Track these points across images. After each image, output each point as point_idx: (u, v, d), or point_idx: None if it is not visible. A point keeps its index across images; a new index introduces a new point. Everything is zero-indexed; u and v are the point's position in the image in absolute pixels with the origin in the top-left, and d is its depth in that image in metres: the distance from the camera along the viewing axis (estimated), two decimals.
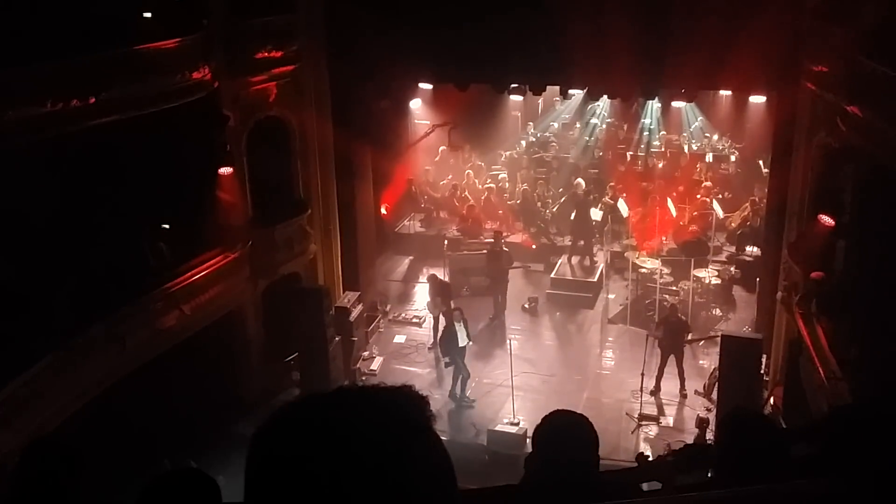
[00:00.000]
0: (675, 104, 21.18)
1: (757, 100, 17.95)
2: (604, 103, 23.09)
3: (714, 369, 15.28)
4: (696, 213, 19.58)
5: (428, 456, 1.22)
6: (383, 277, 20.04)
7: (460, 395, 15.57)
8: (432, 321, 17.50)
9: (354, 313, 16.77)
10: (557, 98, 23.39)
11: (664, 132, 23.18)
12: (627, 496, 3.42)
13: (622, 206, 19.72)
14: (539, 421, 3.23)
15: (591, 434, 3.14)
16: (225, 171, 14.29)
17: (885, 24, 10.95)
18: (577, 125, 24.48)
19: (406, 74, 17.05)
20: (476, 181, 22.32)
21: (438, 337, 16.19)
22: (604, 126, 23.88)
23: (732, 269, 18.98)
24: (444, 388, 16.40)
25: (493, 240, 19.10)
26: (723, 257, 19.57)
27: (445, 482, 1.23)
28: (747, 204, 19.75)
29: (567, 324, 18.48)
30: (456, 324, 15.46)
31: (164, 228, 14.07)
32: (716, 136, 22.88)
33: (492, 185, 21.99)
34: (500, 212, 21.30)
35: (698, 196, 20.14)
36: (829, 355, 11.52)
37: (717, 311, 18.14)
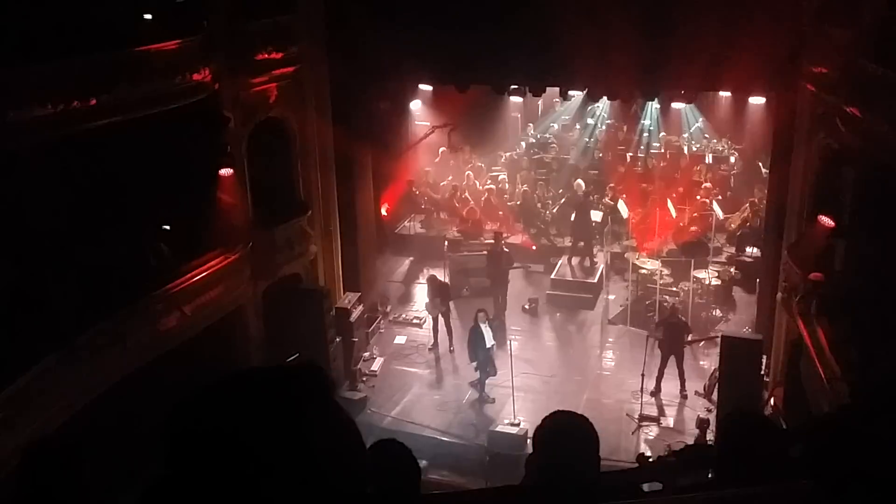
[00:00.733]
0: (675, 105, 21.21)
1: (757, 101, 17.97)
2: (603, 104, 23.10)
3: (714, 370, 15.29)
4: (695, 214, 19.59)
5: (327, 420, 1.35)
6: (384, 278, 20.05)
7: (480, 394, 15.54)
8: (432, 322, 17.51)
9: (355, 314, 16.79)
10: (557, 99, 23.39)
11: (664, 133, 23.20)
12: (628, 497, 3.43)
13: (622, 207, 19.73)
14: (539, 422, 3.24)
15: (592, 435, 3.15)
16: (225, 172, 14.30)
17: (884, 25, 10.96)
18: (577, 126, 24.48)
19: (406, 76, 17.08)
20: (476, 182, 22.33)
21: (466, 339, 16.03)
22: (603, 127, 23.89)
23: (732, 269, 18.99)
24: (444, 388, 16.43)
25: (493, 241, 19.11)
26: (723, 258, 19.57)
27: (347, 443, 1.37)
28: (747, 205, 19.76)
29: (567, 325, 18.49)
30: (482, 325, 15.34)
31: (165, 229, 14.07)
32: (714, 140, 22.91)
33: (492, 186, 21.99)
34: (501, 213, 21.30)
35: (698, 197, 20.15)
36: (830, 356, 11.53)
37: (718, 312, 18.15)
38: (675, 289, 18.04)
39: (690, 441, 13.63)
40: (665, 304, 17.06)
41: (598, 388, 15.97)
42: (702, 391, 15.62)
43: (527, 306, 18.69)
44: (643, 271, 18.61)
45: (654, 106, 22.11)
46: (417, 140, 22.06)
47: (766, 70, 14.15)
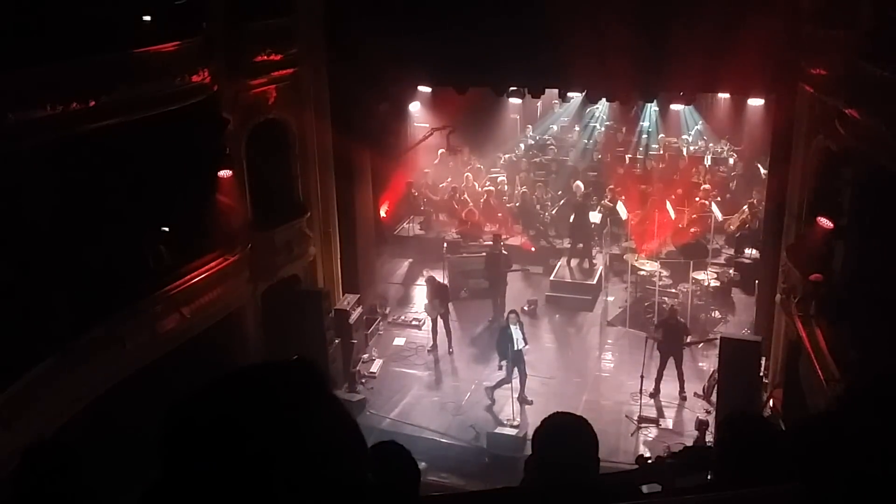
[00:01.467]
0: (674, 107, 21.24)
1: (755, 102, 17.99)
2: (602, 106, 23.13)
3: (713, 371, 15.29)
4: (694, 215, 19.59)
5: (324, 413, 1.34)
6: (383, 280, 20.05)
7: (520, 394, 15.29)
8: (431, 324, 17.51)
9: (354, 316, 16.79)
10: (556, 101, 23.43)
11: (663, 135, 23.22)
12: (627, 498, 3.43)
13: (621, 208, 19.74)
14: (539, 423, 3.24)
15: (591, 436, 3.15)
16: (224, 173, 14.29)
17: (882, 26, 10.96)
18: (576, 128, 24.52)
19: (405, 77, 17.07)
20: (475, 184, 22.35)
21: (495, 341, 15.89)
22: (602, 129, 23.91)
23: (731, 271, 19.01)
24: (444, 390, 16.43)
25: (491, 242, 19.12)
26: (722, 260, 19.59)
27: (345, 435, 1.36)
28: (746, 206, 19.77)
29: (566, 326, 18.49)
30: (512, 326, 15.16)
31: (164, 231, 14.06)
32: (712, 144, 22.93)
33: (491, 187, 22.00)
34: (499, 214, 21.31)
35: (697, 199, 20.16)
36: (829, 357, 11.53)
37: (717, 314, 18.15)
38: (674, 290, 18.05)
39: (689, 442, 13.61)
40: (664, 305, 17.07)
41: (597, 390, 15.97)
42: (701, 393, 15.62)
43: (526, 308, 18.68)
44: (642, 273, 18.62)
45: (652, 107, 22.13)
46: (416, 142, 22.06)
47: (764, 71, 14.16)
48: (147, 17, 13.06)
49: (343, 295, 17.26)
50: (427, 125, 21.99)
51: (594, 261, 19.67)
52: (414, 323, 18.49)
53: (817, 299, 12.67)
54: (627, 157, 22.84)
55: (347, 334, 16.50)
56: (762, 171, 20.11)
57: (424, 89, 19.65)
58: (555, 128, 24.67)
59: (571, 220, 19.91)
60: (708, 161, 22.32)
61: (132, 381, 12.33)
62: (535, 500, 3.23)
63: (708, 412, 14.84)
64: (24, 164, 11.20)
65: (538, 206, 21.38)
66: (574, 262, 19.74)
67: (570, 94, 20.62)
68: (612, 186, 20.74)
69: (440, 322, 17.33)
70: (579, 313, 18.68)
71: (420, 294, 19.15)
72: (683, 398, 15.59)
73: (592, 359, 17.08)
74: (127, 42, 12.19)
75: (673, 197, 20.18)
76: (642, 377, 15.00)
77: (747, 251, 19.28)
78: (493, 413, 15.34)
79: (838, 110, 11.76)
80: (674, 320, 15.64)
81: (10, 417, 10.26)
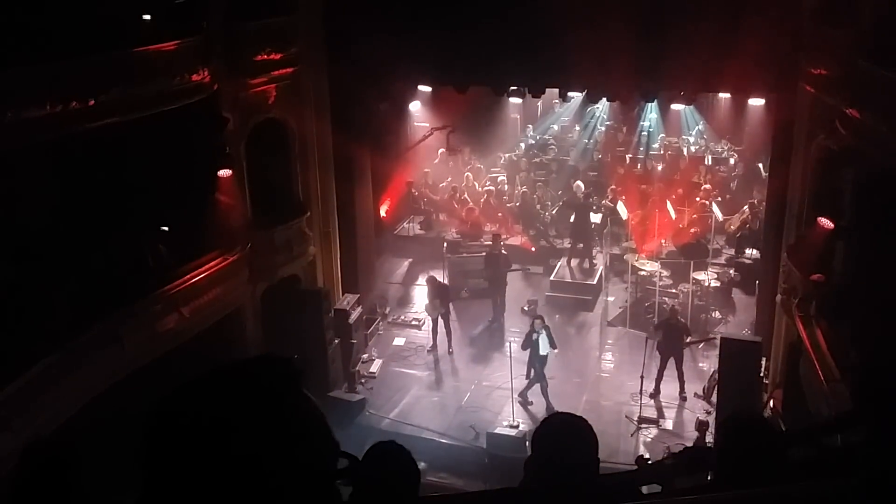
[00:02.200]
0: (675, 107, 21.23)
1: (756, 102, 17.97)
2: (603, 106, 23.12)
3: (713, 372, 15.28)
4: (695, 215, 19.59)
5: (297, 408, 1.45)
6: (382, 280, 20.04)
7: (546, 405, 15.00)
8: (431, 323, 17.50)
9: (354, 315, 16.77)
10: (557, 101, 23.42)
11: (663, 135, 23.22)
12: (627, 499, 3.42)
13: (621, 208, 19.73)
14: (538, 423, 3.23)
15: (591, 437, 3.13)
16: (224, 173, 14.28)
17: (883, 26, 10.95)
18: (577, 128, 24.51)
19: (405, 77, 17.07)
20: (475, 184, 22.34)
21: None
22: (603, 129, 23.90)
23: (732, 271, 19.00)
24: (443, 390, 16.42)
25: (491, 242, 19.10)
26: (722, 260, 19.58)
27: (313, 428, 1.46)
28: (746, 207, 19.75)
29: (566, 326, 18.46)
30: (537, 332, 15.05)
31: (164, 231, 14.06)
32: (712, 144, 22.92)
33: (491, 187, 21.99)
34: (500, 214, 21.30)
35: (697, 199, 20.16)
36: (829, 358, 11.52)
37: (717, 314, 18.14)
38: (674, 290, 18.04)
39: (689, 443, 13.60)
40: (664, 305, 17.06)
41: (598, 390, 15.96)
42: (701, 393, 15.61)
43: (526, 308, 18.67)
44: (642, 273, 18.61)
45: (653, 107, 22.12)
46: (417, 141, 22.06)
47: (765, 71, 14.15)
48: (147, 16, 13.06)
49: (343, 295, 17.25)
50: (427, 125, 21.98)
51: (594, 261, 19.65)
52: (414, 323, 18.48)
53: (818, 299, 12.66)
54: (628, 156, 22.83)
55: (347, 334, 16.49)
56: (763, 171, 20.11)
57: (425, 89, 19.63)
58: (555, 127, 24.66)
59: (572, 220, 19.90)
60: (708, 161, 22.31)
61: (131, 380, 12.32)
62: (534, 500, 3.21)
63: (708, 413, 14.83)
64: (24, 162, 11.20)
65: (538, 206, 21.37)
66: (574, 262, 19.73)
67: (570, 94, 20.59)
68: (612, 186, 20.73)
69: (440, 322, 17.32)
70: (579, 313, 18.66)
71: (420, 294, 19.14)
72: (683, 399, 15.58)
73: (592, 359, 17.07)
74: (127, 41, 12.19)
75: (673, 197, 20.17)
76: (642, 377, 14.99)
77: (748, 251, 19.27)
78: (492, 413, 15.31)
79: (839, 110, 11.75)
80: (674, 320, 15.63)
81: (10, 416, 10.25)
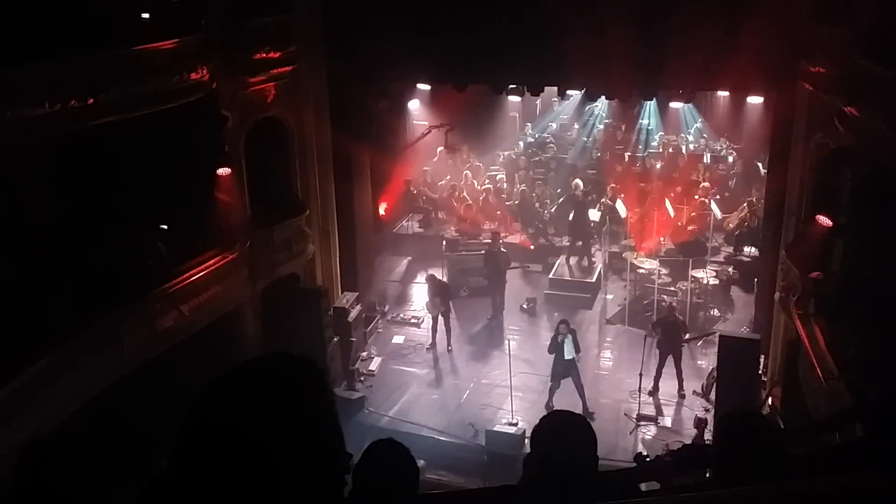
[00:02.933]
0: (674, 105, 21.23)
1: (755, 100, 17.98)
2: (602, 104, 23.12)
3: (712, 370, 15.29)
4: (693, 213, 19.61)
5: (323, 407, 1.51)
6: (382, 278, 20.05)
7: (583, 409, 14.54)
8: (431, 321, 17.51)
9: (353, 314, 16.79)
10: (555, 99, 23.45)
11: (662, 133, 23.23)
12: (626, 496, 3.43)
13: (620, 206, 19.74)
14: (537, 421, 3.24)
15: (590, 434, 3.15)
16: (223, 171, 14.28)
17: (881, 24, 10.96)
18: (576, 126, 24.51)
19: (404, 75, 17.07)
20: (474, 182, 22.35)
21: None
22: (602, 127, 23.91)
23: (730, 269, 19.01)
24: (443, 388, 16.43)
25: (490, 240, 19.12)
26: (721, 258, 19.59)
27: (335, 427, 1.52)
28: (745, 204, 19.77)
29: None
30: (561, 336, 14.87)
31: (163, 229, 14.05)
32: (711, 142, 22.92)
33: (490, 185, 22.01)
34: (499, 212, 21.31)
35: (696, 197, 20.17)
36: (828, 356, 11.53)
37: (716, 312, 18.15)
38: (673, 288, 18.05)
39: (688, 441, 13.64)
40: (663, 303, 17.07)
41: (596, 388, 15.96)
42: (699, 391, 15.63)
43: (525, 306, 18.69)
44: (641, 271, 18.62)
45: (652, 105, 22.12)
46: (415, 139, 22.06)
47: (764, 69, 14.16)
48: (146, 15, 13.05)
49: (342, 293, 17.26)
50: (426, 123, 21.98)
51: (593, 259, 19.67)
52: (413, 321, 18.49)
53: (816, 297, 12.67)
54: (627, 155, 22.84)
55: (346, 332, 16.49)
56: (761, 168, 20.11)
57: (423, 87, 19.64)
58: (554, 125, 24.67)
59: (571, 217, 19.91)
60: (707, 159, 22.32)
61: (131, 378, 12.33)
62: (533, 498, 3.22)
63: (707, 410, 14.85)
64: (23, 161, 11.19)
65: (537, 204, 21.38)
66: (573, 260, 19.75)
67: (569, 92, 20.61)
68: (611, 184, 20.74)
69: (441, 320, 17.33)
70: (578, 311, 18.66)
71: (419, 292, 19.15)
72: (682, 396, 15.60)
73: (591, 357, 17.07)
74: (126, 39, 12.17)
75: (672, 195, 20.18)
76: (641, 375, 15.00)
77: (746, 249, 19.28)
78: (491, 411, 15.32)
79: (838, 108, 11.76)
80: (673, 318, 15.65)
81: (9, 414, 10.25)
